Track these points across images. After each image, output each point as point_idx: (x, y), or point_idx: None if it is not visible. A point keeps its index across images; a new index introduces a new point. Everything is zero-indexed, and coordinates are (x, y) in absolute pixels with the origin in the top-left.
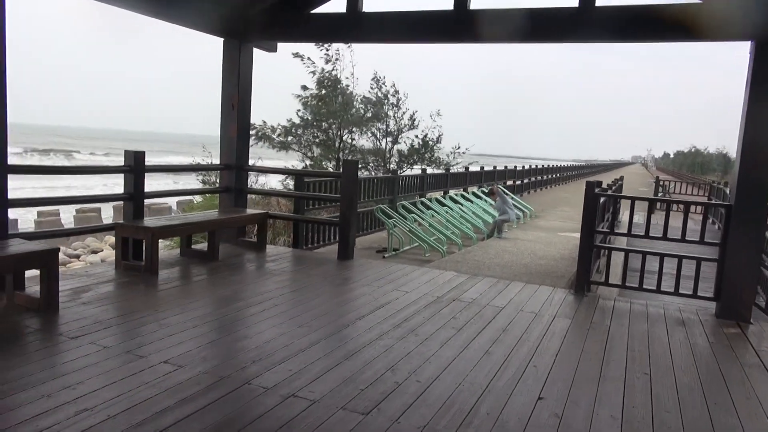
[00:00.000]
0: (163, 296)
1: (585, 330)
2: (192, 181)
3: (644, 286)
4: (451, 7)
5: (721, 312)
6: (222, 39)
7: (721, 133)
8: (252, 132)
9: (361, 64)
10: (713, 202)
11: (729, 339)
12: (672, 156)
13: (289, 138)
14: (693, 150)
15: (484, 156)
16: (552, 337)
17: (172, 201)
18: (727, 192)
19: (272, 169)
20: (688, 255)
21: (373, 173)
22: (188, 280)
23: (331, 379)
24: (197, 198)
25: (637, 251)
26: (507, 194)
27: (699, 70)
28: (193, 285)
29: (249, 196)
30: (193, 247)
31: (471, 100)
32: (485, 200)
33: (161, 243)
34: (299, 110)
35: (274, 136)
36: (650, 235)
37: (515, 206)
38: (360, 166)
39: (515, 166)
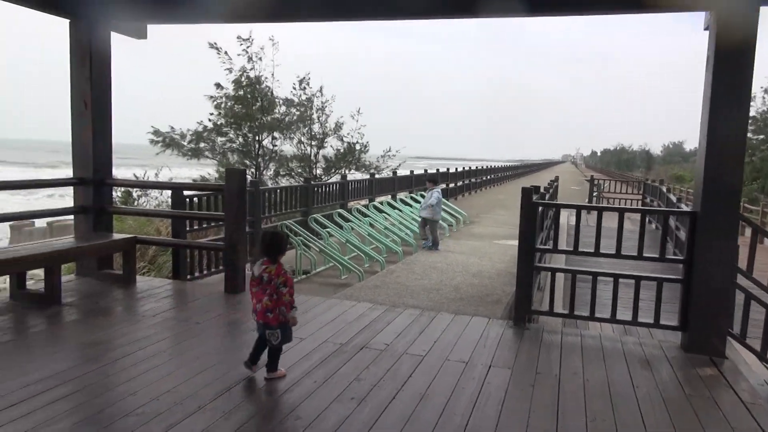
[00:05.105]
0: None
1: (529, 386)
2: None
3: (596, 315)
4: None
5: (690, 345)
6: (68, 20)
7: (643, 127)
8: (158, 139)
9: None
10: (675, 209)
11: (708, 387)
12: (599, 154)
13: (201, 144)
14: (619, 148)
15: (417, 158)
16: (486, 404)
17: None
18: (664, 190)
19: (138, 182)
20: (649, 275)
21: (297, 181)
22: (18, 334)
23: None
24: None
25: (586, 272)
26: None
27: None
28: (21, 342)
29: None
30: (28, 287)
31: (387, 97)
32: (415, 208)
33: None
34: (211, 114)
35: (184, 143)
36: (601, 252)
37: (448, 212)
38: (282, 173)
39: (447, 168)
